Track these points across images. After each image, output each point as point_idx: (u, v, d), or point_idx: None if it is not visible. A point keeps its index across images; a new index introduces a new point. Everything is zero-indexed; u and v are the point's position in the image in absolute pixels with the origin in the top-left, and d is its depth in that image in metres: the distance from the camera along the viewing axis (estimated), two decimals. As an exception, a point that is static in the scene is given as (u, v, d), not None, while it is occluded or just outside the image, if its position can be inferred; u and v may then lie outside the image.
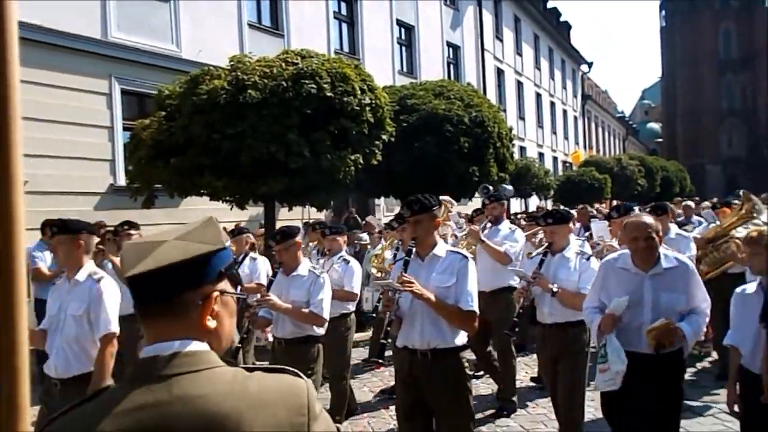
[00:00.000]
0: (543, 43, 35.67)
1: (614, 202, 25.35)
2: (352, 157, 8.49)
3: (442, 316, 3.33)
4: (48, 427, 1.15)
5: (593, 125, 49.28)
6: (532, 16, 33.13)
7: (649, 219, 3.56)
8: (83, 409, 1.15)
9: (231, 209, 9.24)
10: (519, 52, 31.51)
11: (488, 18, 27.02)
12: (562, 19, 41.59)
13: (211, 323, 1.22)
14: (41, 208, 8.53)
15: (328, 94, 8.16)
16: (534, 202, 26.87)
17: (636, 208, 6.07)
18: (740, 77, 71.79)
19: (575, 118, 42.85)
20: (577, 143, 41.70)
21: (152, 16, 11.90)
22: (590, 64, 45.10)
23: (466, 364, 4.84)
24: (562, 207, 8.90)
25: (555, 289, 4.31)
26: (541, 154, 32.82)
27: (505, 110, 23.81)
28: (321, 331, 4.43)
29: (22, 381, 0.80)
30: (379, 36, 18.98)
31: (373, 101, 8.83)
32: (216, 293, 1.23)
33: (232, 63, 8.61)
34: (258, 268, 6.46)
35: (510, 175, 15.40)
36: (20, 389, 0.80)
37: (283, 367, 1.26)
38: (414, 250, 3.58)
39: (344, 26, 17.99)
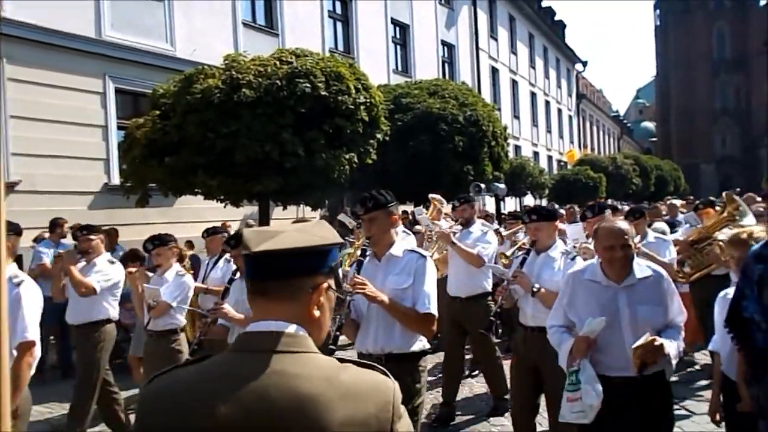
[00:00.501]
0: (538, 42, 35.73)
1: (608, 202, 25.47)
2: (347, 156, 8.50)
3: (398, 319, 3.13)
4: (150, 383, 1.24)
5: (588, 124, 49.40)
6: (526, 15, 33.18)
7: (624, 224, 3.19)
8: (187, 370, 1.24)
9: (225, 207, 9.24)
10: (514, 51, 31.55)
11: (483, 17, 27.05)
12: (556, 18, 41.65)
13: (316, 312, 1.30)
14: (36, 207, 8.52)
15: (323, 93, 8.16)
16: (529, 201, 26.94)
17: (608, 210, 5.94)
18: (734, 78, 72.07)
19: (570, 117, 42.94)
20: (571, 142, 41.80)
21: (146, 14, 11.87)
22: (585, 63, 45.26)
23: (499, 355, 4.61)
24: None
25: (535, 288, 4.05)
26: (535, 153, 32.89)
27: (499, 109, 23.87)
28: None
29: (3, 382, 0.81)
30: (374, 35, 18.98)
31: (368, 100, 8.85)
32: (326, 285, 1.32)
33: (226, 62, 8.61)
34: (233, 269, 6.30)
35: (505, 174, 15.44)
36: (1, 390, 0.81)
37: (373, 363, 1.31)
38: (370, 250, 3.38)
39: (339, 25, 17.99)
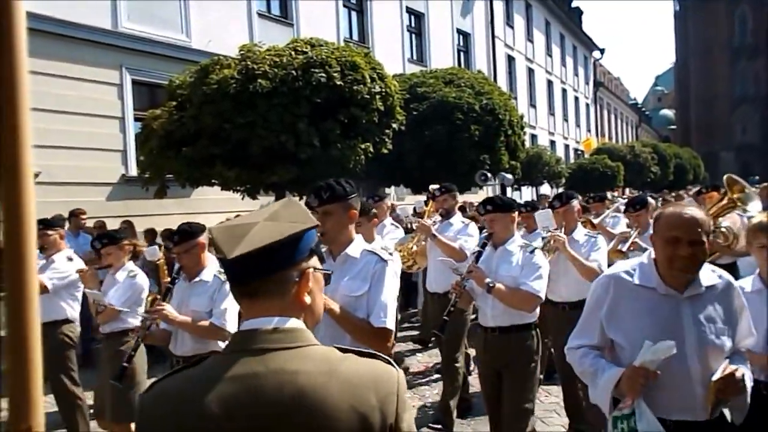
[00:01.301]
0: (554, 30, 35.32)
1: (627, 190, 25.20)
2: (362, 146, 8.48)
3: (348, 332, 2.63)
4: (149, 391, 1.23)
5: (605, 112, 48.85)
6: (543, 3, 32.79)
7: (698, 212, 2.30)
8: (186, 374, 1.23)
9: (242, 199, 9.27)
10: (530, 38, 31.23)
11: (499, 5, 26.78)
12: (573, 4, 41.14)
13: (307, 299, 1.29)
14: (54, 198, 8.60)
15: (338, 82, 8.14)
16: (545, 190, 26.75)
17: (579, 197, 5.52)
18: (755, 63, 70.76)
19: (587, 105, 42.49)
20: (589, 131, 41.37)
21: (162, 6, 11.89)
22: (602, 51, 44.66)
23: (459, 364, 4.61)
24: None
25: (490, 284, 3.68)
26: (552, 142, 32.60)
27: (515, 98, 23.65)
28: None
29: (35, 373, 0.80)
30: (389, 24, 18.87)
31: (383, 90, 8.80)
32: (310, 269, 1.30)
33: (241, 52, 8.60)
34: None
35: (521, 163, 15.32)
36: (33, 382, 0.80)
37: (375, 352, 1.30)
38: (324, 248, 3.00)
39: (354, 14, 17.90)
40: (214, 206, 10.83)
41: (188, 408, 1.15)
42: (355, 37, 17.56)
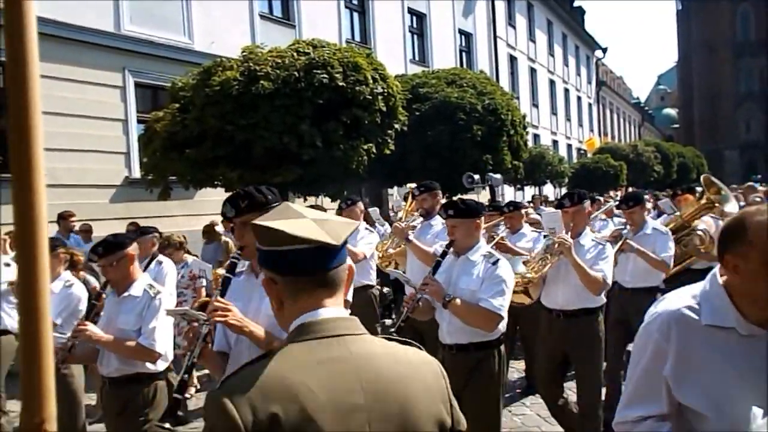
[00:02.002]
0: (556, 29, 35.32)
1: (630, 190, 25.17)
2: (365, 147, 8.50)
3: None
4: (225, 383, 1.20)
5: (608, 112, 48.81)
6: (545, 2, 32.79)
7: None
8: (265, 364, 1.18)
9: (245, 200, 9.29)
10: (532, 38, 31.23)
11: (500, 4, 26.78)
12: (575, 4, 41.14)
13: (349, 296, 1.38)
14: (58, 201, 8.64)
15: (340, 83, 8.15)
16: (548, 190, 26.73)
17: (611, 194, 5.21)
18: (758, 60, 70.55)
19: (590, 104, 42.46)
20: (591, 130, 41.34)
21: (164, 8, 11.93)
22: (605, 50, 44.61)
23: None
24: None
25: (447, 298, 3.32)
26: (555, 142, 32.59)
27: (518, 97, 23.67)
28: (158, 366, 3.42)
29: (46, 370, 0.82)
30: (391, 25, 18.89)
31: (386, 90, 8.82)
32: (353, 268, 1.39)
33: (244, 54, 8.63)
34: (164, 273, 5.51)
35: (524, 163, 15.32)
36: (45, 378, 0.82)
37: (406, 339, 1.38)
38: (246, 264, 2.66)
39: (355, 15, 17.93)
40: (217, 208, 10.75)
41: (322, 388, 1.15)
42: (357, 38, 17.59)
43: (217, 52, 10.43)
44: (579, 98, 39.61)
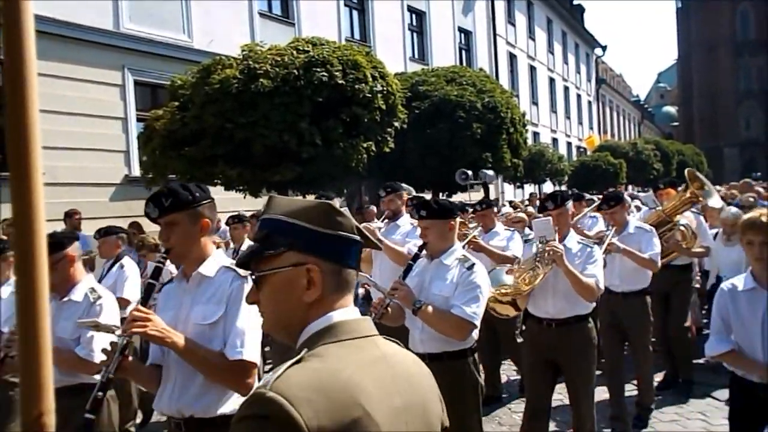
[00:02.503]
0: (556, 27, 35.30)
1: (629, 188, 25.19)
2: (365, 145, 8.51)
3: (198, 369, 2.19)
4: (275, 383, 1.02)
5: (608, 110, 48.80)
6: (544, 0, 32.77)
7: None
8: (312, 365, 1.06)
9: (245, 198, 9.31)
10: (532, 36, 31.21)
11: (500, 3, 26.77)
12: (575, 2, 41.11)
13: None
14: (58, 199, 8.64)
15: (340, 81, 8.16)
16: (548, 188, 26.74)
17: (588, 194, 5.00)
18: (758, 59, 70.51)
19: (589, 102, 42.45)
20: (591, 128, 41.34)
21: (163, 6, 11.92)
22: (604, 48, 44.61)
23: None
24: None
25: (417, 304, 3.08)
26: (554, 140, 32.58)
27: (517, 95, 23.67)
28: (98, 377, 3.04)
29: (45, 363, 0.83)
30: (390, 23, 18.88)
31: (385, 88, 8.83)
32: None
33: (243, 52, 8.63)
34: (124, 277, 5.22)
35: (523, 161, 15.34)
36: (44, 371, 0.83)
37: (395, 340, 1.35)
38: (178, 269, 2.46)
39: (355, 13, 17.92)
40: (216, 206, 10.84)
41: (379, 389, 1.08)
42: (357, 36, 17.58)
43: (217, 50, 10.43)
44: (579, 96, 39.60)
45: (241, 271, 2.25)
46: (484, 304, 3.18)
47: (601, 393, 4.81)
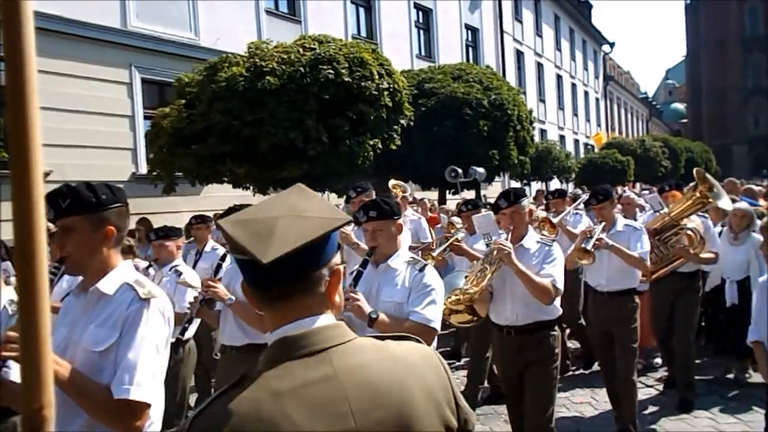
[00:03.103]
0: (563, 24, 35.15)
1: (637, 185, 25.07)
2: (371, 142, 8.50)
3: (79, 405, 1.81)
4: (195, 420, 1.05)
5: (615, 107, 48.59)
6: (552, -3, 32.66)
7: None
8: (237, 395, 1.05)
9: (254, 195, 9.32)
10: (539, 33, 31.10)
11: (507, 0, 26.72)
12: (583, -2, 40.94)
13: (337, 298, 1.19)
14: (66, 196, 8.69)
15: (346, 79, 8.15)
16: (555, 185, 26.66)
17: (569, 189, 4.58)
18: (766, 55, 70.08)
19: (597, 99, 42.27)
20: (599, 125, 41.17)
21: (170, 4, 11.95)
22: (612, 45, 44.39)
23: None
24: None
25: (373, 315, 2.80)
26: (562, 137, 32.47)
27: (525, 93, 23.58)
28: None
29: (45, 358, 0.83)
30: (397, 20, 18.86)
31: (391, 85, 8.82)
32: (342, 266, 1.20)
33: (250, 50, 8.64)
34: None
35: (530, 159, 15.30)
36: (44, 366, 0.84)
37: (402, 333, 1.26)
38: (76, 281, 2.17)
39: (361, 11, 17.91)
40: (223, 203, 10.78)
41: (287, 421, 1.01)
42: (363, 33, 17.57)
43: (223, 48, 10.45)
44: (586, 93, 39.44)
45: (142, 293, 1.94)
46: (441, 307, 2.97)
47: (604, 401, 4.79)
